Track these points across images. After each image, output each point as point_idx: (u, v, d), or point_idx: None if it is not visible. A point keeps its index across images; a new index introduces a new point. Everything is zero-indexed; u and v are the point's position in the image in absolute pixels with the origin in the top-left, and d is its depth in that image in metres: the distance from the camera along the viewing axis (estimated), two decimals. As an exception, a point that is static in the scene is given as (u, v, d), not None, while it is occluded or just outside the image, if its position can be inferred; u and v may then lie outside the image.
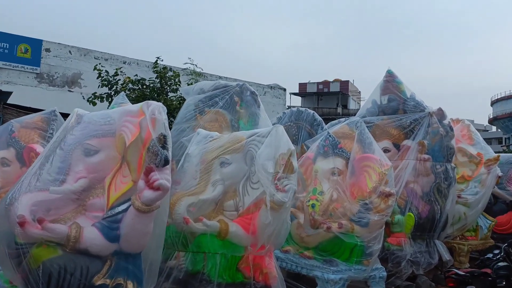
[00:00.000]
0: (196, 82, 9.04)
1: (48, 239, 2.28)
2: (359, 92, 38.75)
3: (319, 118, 5.54)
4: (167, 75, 9.12)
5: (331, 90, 34.90)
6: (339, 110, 31.92)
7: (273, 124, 4.11)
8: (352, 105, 35.82)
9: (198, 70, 11.12)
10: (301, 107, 5.99)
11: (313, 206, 3.83)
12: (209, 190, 3.13)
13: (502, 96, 38.01)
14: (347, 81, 35.42)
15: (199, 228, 2.99)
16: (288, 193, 2.99)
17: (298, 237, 4.03)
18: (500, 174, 5.52)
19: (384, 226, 3.88)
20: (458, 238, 5.35)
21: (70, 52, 14.87)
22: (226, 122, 4.47)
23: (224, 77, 16.51)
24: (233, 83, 4.80)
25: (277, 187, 2.95)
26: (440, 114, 4.85)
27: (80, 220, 2.41)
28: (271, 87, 19.67)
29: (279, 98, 19.75)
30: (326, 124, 5.75)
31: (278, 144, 3.00)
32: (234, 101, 4.54)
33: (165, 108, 2.59)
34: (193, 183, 3.19)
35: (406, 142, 4.77)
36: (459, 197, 5.12)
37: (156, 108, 2.48)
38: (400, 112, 4.95)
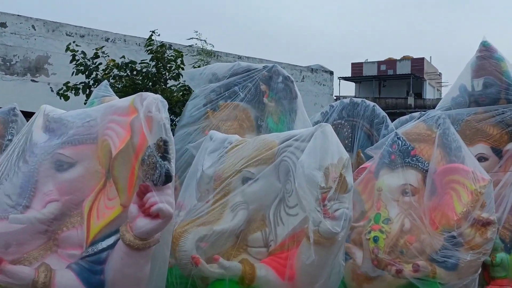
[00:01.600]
0: (206, 64, 9.15)
1: (7, 286, 2.34)
2: (440, 75, 38.22)
3: (382, 113, 5.50)
4: (165, 55, 9.26)
5: (398, 72, 34.65)
6: (411, 100, 31.56)
7: (316, 123, 4.12)
8: (429, 93, 35.42)
9: (208, 47, 11.22)
10: (355, 97, 5.99)
11: (375, 239, 3.79)
12: (227, 218, 3.16)
13: None
14: (422, 59, 35.07)
15: (213, 272, 3.00)
16: (341, 220, 2.98)
17: (355, 283, 4.02)
18: None
19: (480, 269, 3.81)
20: None
21: (33, 27, 15.19)
22: (250, 120, 4.54)
23: (245, 56, 16.62)
24: (259, 66, 4.86)
25: (325, 212, 2.94)
26: (562, 103, 4.76)
27: (51, 260, 2.47)
28: (312, 69, 19.65)
29: (323, 85, 19.70)
30: (392, 122, 5.69)
31: (326, 151, 3.02)
32: (261, 90, 4.61)
33: (165, 102, 2.63)
34: (205, 207, 3.23)
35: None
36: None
37: (153, 103, 2.53)
38: (502, 102, 4.85)
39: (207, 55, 11.32)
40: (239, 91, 4.56)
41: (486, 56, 5.04)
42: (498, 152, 4.73)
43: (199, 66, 9.26)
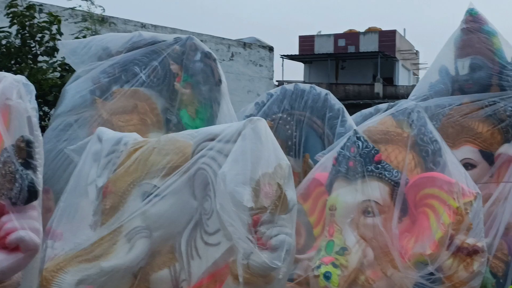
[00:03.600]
0: (95, 34, 8.99)
1: None
2: (416, 53, 39.39)
3: (338, 105, 5.56)
4: (35, 21, 9.05)
5: (362, 49, 35.34)
6: (379, 88, 32.31)
7: (248, 118, 4.14)
8: (403, 78, 36.40)
9: (97, 11, 11.05)
10: (304, 83, 6.02)
11: (327, 276, 3.82)
12: (121, 250, 3.15)
13: None
14: (393, 32, 35.95)
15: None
16: (280, 251, 3.01)
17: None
18: None
19: (466, 314, 3.96)
20: None
21: None
22: (155, 113, 4.56)
23: (151, 25, 16.47)
24: (168, 37, 4.84)
25: (258, 240, 2.97)
26: None
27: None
28: (245, 44, 19.72)
29: (261, 65, 19.81)
30: (352, 116, 5.77)
31: (257, 157, 3.04)
32: (171, 72, 4.65)
33: (32, 86, 2.57)
34: (89, 236, 3.21)
35: (506, 149, 4.81)
36: None
37: (12, 87, 2.48)
38: (493, 89, 4.99)
39: (97, 21, 11.13)
40: (140, 72, 4.56)
41: (474, 28, 5.16)
42: (488, 157, 4.85)
43: (84, 37, 9.08)
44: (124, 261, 3.13)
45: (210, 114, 4.70)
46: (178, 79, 4.61)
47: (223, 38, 18.87)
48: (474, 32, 5.14)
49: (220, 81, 4.82)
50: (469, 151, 4.84)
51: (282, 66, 36.66)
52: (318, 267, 3.82)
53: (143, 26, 15.89)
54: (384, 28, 36.36)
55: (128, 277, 3.19)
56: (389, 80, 34.51)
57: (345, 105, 5.77)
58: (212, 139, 3.24)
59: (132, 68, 4.56)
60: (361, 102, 24.96)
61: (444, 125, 4.91)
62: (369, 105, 7.33)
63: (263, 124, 3.14)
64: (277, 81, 25.90)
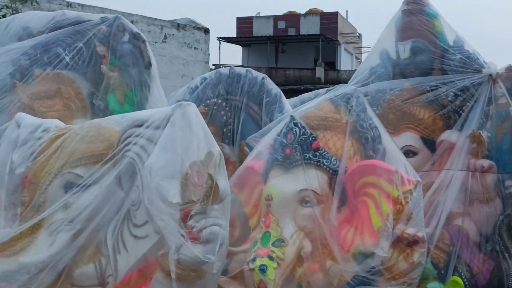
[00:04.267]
0: (15, 13, 8.80)
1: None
2: (359, 36, 39.77)
3: (276, 89, 5.56)
4: None
5: (302, 31, 35.54)
6: (320, 72, 32.65)
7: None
8: (345, 63, 36.76)
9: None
10: (239, 66, 6.00)
11: (263, 270, 3.84)
12: (42, 244, 3.12)
13: None
14: (336, 14, 36.24)
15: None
16: (213, 243, 3.02)
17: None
18: None
19: (406, 305, 4.03)
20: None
21: None
22: (80, 98, 4.50)
23: (78, 4, 16.20)
24: (95, 16, 4.78)
25: (190, 233, 2.97)
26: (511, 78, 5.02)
27: None
28: (179, 25, 19.59)
29: (196, 48, 19.73)
30: (290, 100, 5.78)
31: (187, 144, 3.04)
32: (97, 53, 4.59)
33: None
34: (7, 230, 3.18)
35: (448, 135, 4.88)
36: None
37: None
38: (435, 73, 5.05)
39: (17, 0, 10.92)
40: (64, 54, 4.47)
41: (415, 10, 5.21)
42: (430, 144, 4.91)
43: (3, 16, 8.91)
44: (45, 257, 3.09)
45: (139, 99, 4.65)
46: (105, 61, 4.55)
47: (156, 19, 18.71)
48: (415, 14, 5.19)
49: (150, 63, 4.77)
50: (410, 138, 4.90)
51: (219, 49, 36.69)
52: (253, 260, 3.83)
53: (69, 5, 15.63)
54: (326, 9, 36.61)
55: (51, 273, 3.13)
56: (331, 65, 34.80)
57: (285, 91, 5.78)
58: (140, 125, 3.20)
59: (55, 50, 4.48)
60: (302, 88, 25.08)
61: (385, 111, 4.96)
62: (310, 91, 7.36)
63: (193, 109, 3.12)
64: (213, 65, 25.91)
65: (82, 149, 3.25)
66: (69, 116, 4.28)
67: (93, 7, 16.08)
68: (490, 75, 4.87)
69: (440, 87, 4.93)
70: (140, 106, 4.58)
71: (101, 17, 4.72)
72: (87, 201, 3.19)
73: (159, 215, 3.00)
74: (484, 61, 5.03)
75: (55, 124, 3.48)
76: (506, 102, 4.87)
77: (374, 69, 5.33)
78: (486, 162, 4.74)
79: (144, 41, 4.77)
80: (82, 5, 16.05)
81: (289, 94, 6.12)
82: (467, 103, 4.86)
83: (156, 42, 16.93)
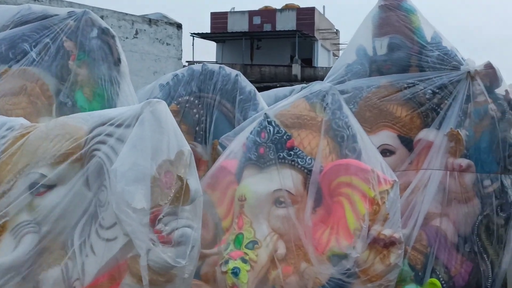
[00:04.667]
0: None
1: None
2: (337, 32, 39.86)
3: (250, 87, 5.56)
4: None
5: (279, 27, 35.57)
6: (297, 69, 32.63)
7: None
8: (322, 59, 36.83)
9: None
10: (213, 63, 5.98)
11: (235, 272, 3.83)
12: (6, 247, 3.11)
13: None
14: (312, 10, 36.31)
15: None
16: (185, 246, 3.03)
17: None
18: None
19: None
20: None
21: None
22: (47, 96, 4.46)
23: (45, -2, 16.07)
24: (62, 11, 4.75)
25: (159, 235, 2.97)
26: (490, 75, 5.04)
27: None
28: (151, 20, 19.48)
29: (168, 44, 19.60)
30: (265, 97, 5.78)
31: (157, 143, 3.03)
32: (65, 49, 4.56)
33: None
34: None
35: (425, 134, 4.91)
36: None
37: None
38: (413, 70, 5.08)
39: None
40: (30, 49, 4.44)
41: (392, 5, 5.23)
42: (408, 142, 4.94)
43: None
44: (9, 260, 3.08)
45: (108, 97, 4.62)
46: (72, 57, 4.51)
47: (126, 14, 18.55)
48: (392, 9, 5.21)
49: (119, 60, 4.75)
50: (387, 137, 4.92)
51: (193, 45, 36.69)
52: (226, 262, 3.83)
53: (37, -1, 15.51)
54: (302, 5, 36.64)
55: (15, 277, 3.11)
56: (307, 61, 34.82)
57: (261, 88, 5.77)
58: (108, 124, 3.20)
59: (21, 45, 4.44)
60: (278, 85, 24.76)
61: (361, 109, 4.97)
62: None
63: (163, 107, 3.12)
64: (186, 61, 25.73)
65: (47, 148, 3.22)
66: (35, 113, 4.24)
67: (61, 1, 15.91)
68: (469, 72, 4.90)
69: (418, 85, 4.95)
70: (109, 104, 4.56)
71: (68, 12, 4.69)
72: (53, 202, 3.18)
73: (127, 220, 2.99)
74: (462, 58, 5.06)
75: (20, 122, 3.45)
76: (485, 99, 4.91)
77: (350, 66, 5.34)
78: (464, 161, 4.79)
79: (113, 37, 4.75)
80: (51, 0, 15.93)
81: (264, 91, 6.11)
82: (445, 101, 4.90)
83: (127, 38, 16.81)
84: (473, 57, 5.11)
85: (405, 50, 5.11)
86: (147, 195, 2.97)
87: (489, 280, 4.82)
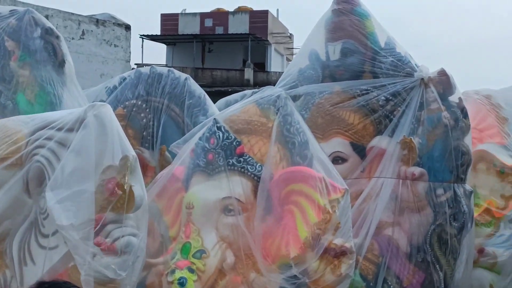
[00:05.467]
0: None
1: None
2: (291, 36, 40.04)
3: (199, 91, 5.55)
4: None
5: (231, 30, 35.61)
6: (249, 74, 32.73)
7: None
8: (275, 64, 36.97)
9: None
10: (163, 66, 5.96)
11: (182, 283, 3.82)
12: None
13: None
14: (266, 13, 36.45)
15: None
16: (127, 255, 3.02)
17: None
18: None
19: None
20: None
21: None
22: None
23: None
24: (4, 9, 4.73)
25: (100, 244, 2.96)
26: (444, 82, 5.10)
27: None
28: (98, 21, 19.38)
29: (116, 46, 19.52)
30: (215, 103, 5.78)
31: (101, 148, 3.02)
32: (6, 49, 4.52)
33: None
34: None
35: (378, 141, 4.95)
36: (480, 252, 5.49)
37: None
38: (366, 76, 5.10)
39: None
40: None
41: (346, 10, 5.25)
42: (360, 150, 4.96)
43: None
44: None
45: (52, 99, 4.57)
46: (14, 57, 4.47)
47: (73, 14, 18.43)
48: (346, 14, 5.23)
49: (64, 61, 4.71)
50: (339, 144, 4.94)
51: (142, 47, 36.27)
52: (172, 272, 3.81)
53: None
54: (256, 7, 36.74)
55: None
56: (260, 66, 34.92)
57: (212, 93, 5.78)
58: (50, 127, 3.16)
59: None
60: (230, 90, 25.01)
61: (313, 115, 5.00)
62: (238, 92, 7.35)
63: (107, 111, 3.10)
64: (135, 64, 25.68)
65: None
66: (-29, 117, 4.19)
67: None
68: (422, 79, 4.95)
69: (372, 91, 4.97)
70: (53, 107, 4.51)
71: (10, 10, 4.64)
72: (-10, 210, 3.13)
73: (66, 235, 2.98)
74: (416, 64, 5.10)
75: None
76: (438, 107, 4.96)
77: (302, 71, 5.35)
78: (417, 170, 4.84)
79: (57, 37, 4.71)
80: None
81: (216, 96, 6.12)
82: (399, 108, 4.93)
83: (73, 39, 16.69)
84: (428, 64, 5.16)
85: (358, 55, 5.13)
86: (81, 209, 2.94)
87: (440, 292, 4.87)
